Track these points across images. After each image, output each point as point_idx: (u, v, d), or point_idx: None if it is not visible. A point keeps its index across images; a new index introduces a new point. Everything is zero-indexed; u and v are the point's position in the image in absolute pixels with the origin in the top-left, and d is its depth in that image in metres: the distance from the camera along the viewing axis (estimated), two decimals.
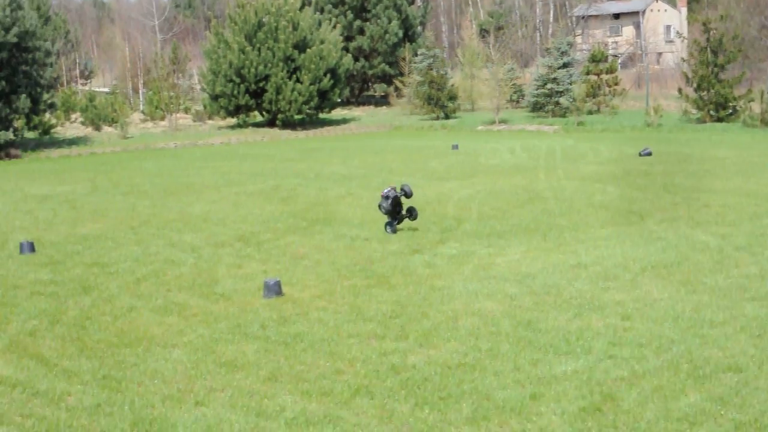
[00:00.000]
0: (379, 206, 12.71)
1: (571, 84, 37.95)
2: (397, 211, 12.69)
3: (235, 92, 37.44)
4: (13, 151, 29.20)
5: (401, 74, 46.05)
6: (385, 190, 12.62)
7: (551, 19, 64.87)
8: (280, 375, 6.77)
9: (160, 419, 5.88)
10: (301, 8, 39.41)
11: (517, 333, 7.74)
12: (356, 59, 46.89)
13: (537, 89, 38.65)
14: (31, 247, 12.03)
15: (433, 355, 7.19)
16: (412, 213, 12.84)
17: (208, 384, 6.58)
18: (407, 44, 46.85)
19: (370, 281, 9.90)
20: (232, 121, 40.68)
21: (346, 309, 8.72)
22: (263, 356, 7.25)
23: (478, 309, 8.56)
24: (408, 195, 12.79)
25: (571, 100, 37.11)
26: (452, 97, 40.85)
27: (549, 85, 38.03)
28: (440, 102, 40.24)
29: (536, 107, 38.87)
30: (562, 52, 38.38)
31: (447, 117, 40.27)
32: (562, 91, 37.75)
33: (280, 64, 37.06)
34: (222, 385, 6.54)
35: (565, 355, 7.11)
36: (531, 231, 12.68)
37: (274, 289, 9.33)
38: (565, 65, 38.22)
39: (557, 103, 37.91)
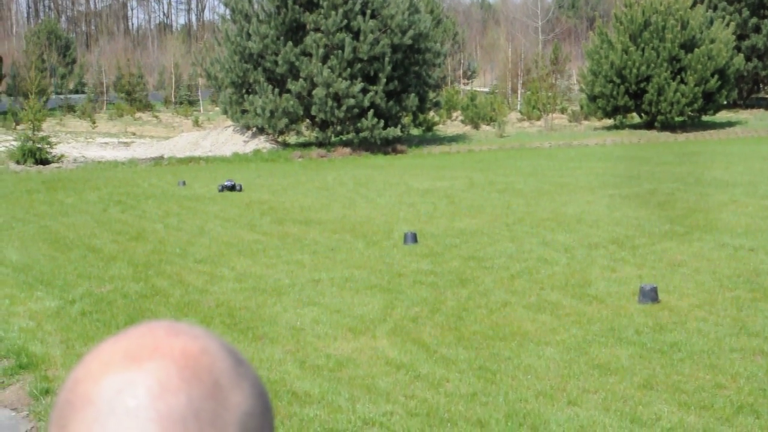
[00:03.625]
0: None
1: None
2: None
3: (615, 93, 36.87)
4: (399, 147, 31.14)
5: None
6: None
7: None
8: (656, 383, 6.55)
9: (533, 414, 5.94)
10: (693, 6, 37.82)
11: None
12: (748, 59, 44.09)
13: None
14: (414, 238, 12.73)
15: None
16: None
17: (580, 384, 6.54)
18: None
19: (756, 294, 9.26)
20: (609, 122, 40.13)
21: (728, 321, 8.23)
22: (638, 362, 7.05)
23: None
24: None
25: None
26: None
27: None
28: None
29: None
30: None
31: None
32: None
33: (665, 64, 35.88)
34: (595, 387, 6.47)
35: None
36: None
37: (650, 295, 9.05)
38: None
39: None
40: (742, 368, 6.86)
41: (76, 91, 62.74)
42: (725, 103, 40.09)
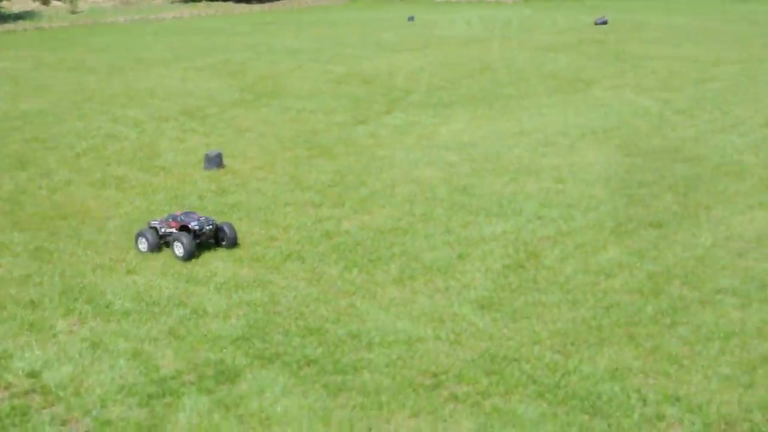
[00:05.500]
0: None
1: None
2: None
3: None
4: None
5: None
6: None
7: None
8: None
9: (90, 287, 5.95)
10: None
11: (452, 198, 7.84)
12: None
13: None
14: None
15: (368, 221, 7.29)
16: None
17: (140, 254, 6.63)
18: None
19: (312, 152, 9.90)
20: None
21: (285, 179, 8.75)
22: None
23: (416, 177, 8.63)
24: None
25: None
26: None
27: None
28: None
29: None
30: None
31: None
32: None
33: None
34: (156, 255, 6.59)
35: (495, 217, 7.24)
36: (478, 101, 12.68)
37: (216, 161, 9.30)
38: None
39: None
40: (294, 220, 7.37)
41: None
42: None
